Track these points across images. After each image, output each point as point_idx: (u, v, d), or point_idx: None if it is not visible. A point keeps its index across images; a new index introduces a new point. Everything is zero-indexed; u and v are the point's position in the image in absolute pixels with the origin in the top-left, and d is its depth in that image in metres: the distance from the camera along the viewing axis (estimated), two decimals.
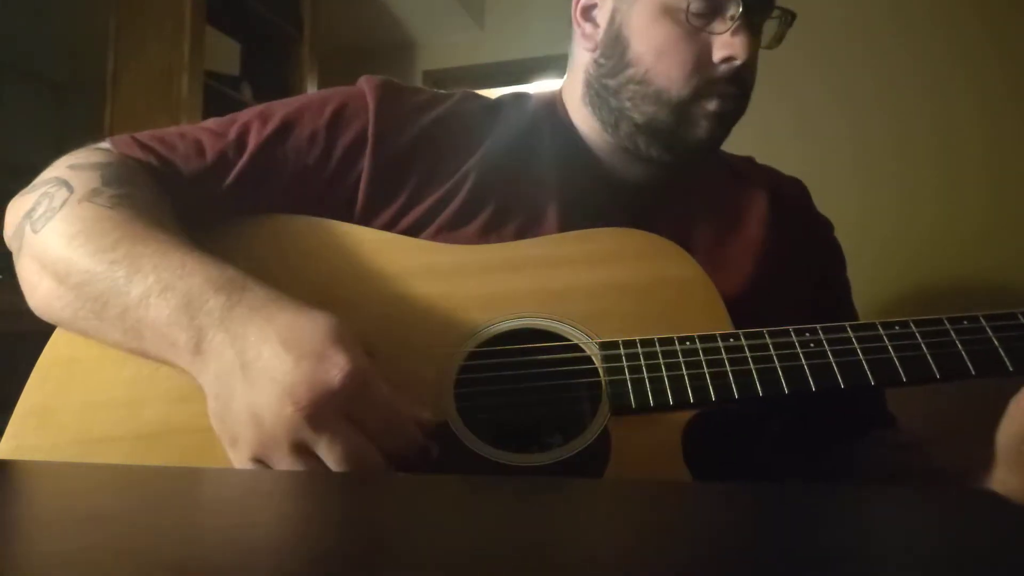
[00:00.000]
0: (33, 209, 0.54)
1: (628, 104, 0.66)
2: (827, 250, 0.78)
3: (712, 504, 0.36)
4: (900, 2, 2.28)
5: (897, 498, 0.36)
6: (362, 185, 0.63)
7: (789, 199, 0.77)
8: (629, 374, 0.51)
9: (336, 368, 0.41)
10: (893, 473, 0.65)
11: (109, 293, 0.48)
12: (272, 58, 2.37)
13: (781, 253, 0.71)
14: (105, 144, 0.61)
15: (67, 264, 0.50)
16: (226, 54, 2.18)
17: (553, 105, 0.74)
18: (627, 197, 0.69)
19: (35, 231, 0.53)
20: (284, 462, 0.42)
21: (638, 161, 0.70)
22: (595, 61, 0.69)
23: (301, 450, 0.41)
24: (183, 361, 0.46)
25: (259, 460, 0.42)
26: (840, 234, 0.79)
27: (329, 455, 0.41)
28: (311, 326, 0.43)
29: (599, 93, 0.69)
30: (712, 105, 0.63)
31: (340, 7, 2.63)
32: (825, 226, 0.79)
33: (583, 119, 0.72)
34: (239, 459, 0.43)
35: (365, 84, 0.67)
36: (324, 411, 0.41)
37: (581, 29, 0.71)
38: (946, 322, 0.51)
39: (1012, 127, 2.13)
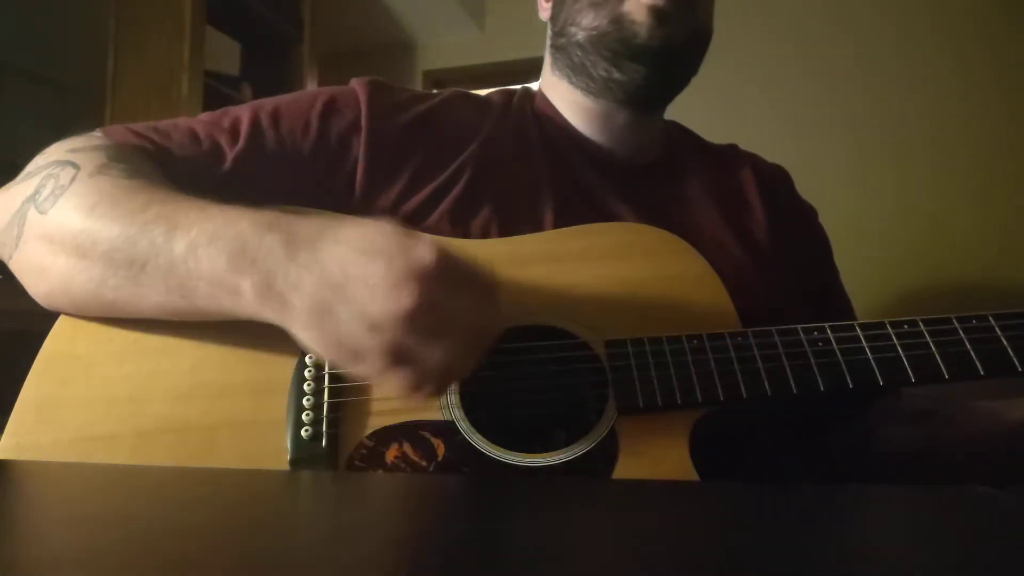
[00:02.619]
0: (36, 193, 0.53)
1: (572, 28, 0.69)
2: (815, 234, 0.79)
3: (720, 504, 0.35)
4: (893, 5, 2.29)
5: (898, 498, 0.36)
6: (359, 171, 0.63)
7: (774, 181, 0.78)
8: (637, 373, 0.50)
9: (423, 251, 0.41)
10: (920, 450, 0.63)
11: (148, 253, 0.47)
12: (272, 58, 2.37)
13: (779, 231, 0.71)
14: (97, 132, 0.60)
15: (91, 234, 0.49)
16: (226, 54, 2.18)
17: (533, 98, 0.76)
18: (620, 179, 0.70)
19: (42, 212, 0.51)
20: (427, 351, 0.41)
21: (618, 128, 0.71)
22: (551, 21, 0.73)
23: (435, 333, 0.41)
24: (249, 307, 0.45)
25: (398, 362, 0.42)
26: (835, 236, 0.80)
27: (460, 327, 0.42)
28: (376, 231, 0.43)
29: (558, 46, 0.72)
30: None
31: (340, 7, 2.63)
32: (810, 211, 0.79)
33: (559, 95, 0.73)
34: (374, 369, 0.42)
35: (354, 82, 0.68)
36: (437, 291, 0.41)
37: (540, 5, 0.76)
38: (955, 321, 0.51)
39: (1003, 128, 2.15)
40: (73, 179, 0.52)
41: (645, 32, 0.64)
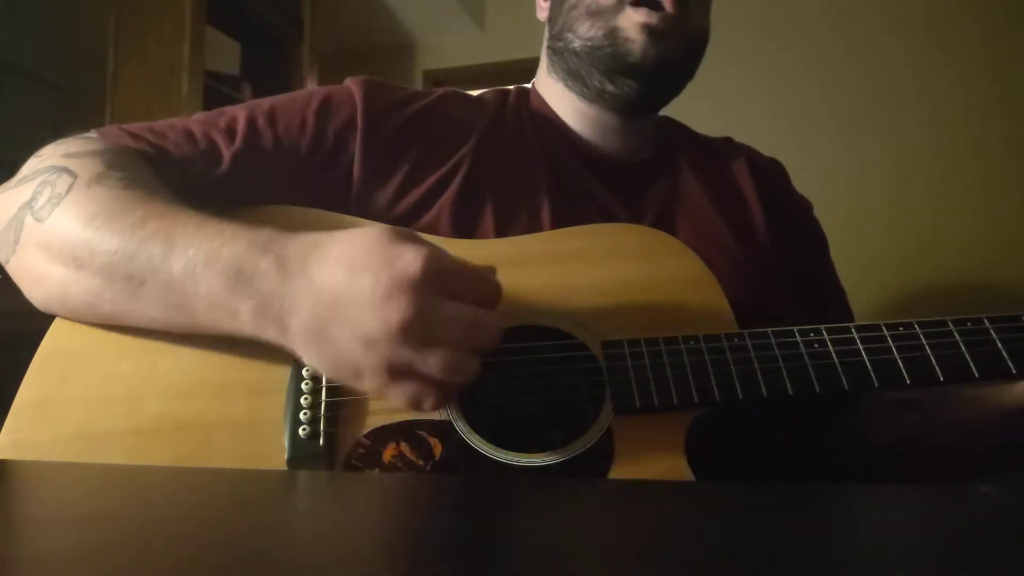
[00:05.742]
0: (33, 199, 0.53)
1: (569, 35, 0.69)
2: (810, 227, 0.79)
3: (715, 505, 0.36)
4: (892, 6, 2.29)
5: (896, 498, 0.36)
6: (355, 169, 0.63)
7: (769, 174, 0.78)
8: (633, 373, 0.51)
9: (410, 261, 0.41)
10: (903, 436, 0.64)
11: (146, 270, 0.48)
12: (272, 58, 2.37)
13: (773, 224, 0.71)
14: (93, 134, 0.60)
15: (89, 246, 0.49)
16: (226, 54, 2.18)
17: (528, 97, 0.76)
18: (615, 177, 0.70)
19: (39, 220, 0.51)
20: (424, 362, 0.41)
21: (612, 129, 0.71)
22: (549, 22, 0.74)
23: (429, 343, 0.41)
24: (247, 328, 0.46)
25: (397, 376, 0.42)
26: (833, 235, 0.80)
27: (454, 335, 0.41)
28: (363, 242, 0.43)
29: (555, 49, 0.72)
30: (639, 15, 0.64)
31: (340, 7, 2.63)
32: (806, 204, 0.79)
33: (555, 95, 0.73)
34: (374, 385, 0.43)
35: (350, 81, 0.68)
36: (426, 299, 0.41)
37: (538, 5, 0.76)
38: (950, 324, 0.51)
39: (1002, 130, 2.15)
40: (70, 188, 0.52)
41: (639, 50, 0.64)
